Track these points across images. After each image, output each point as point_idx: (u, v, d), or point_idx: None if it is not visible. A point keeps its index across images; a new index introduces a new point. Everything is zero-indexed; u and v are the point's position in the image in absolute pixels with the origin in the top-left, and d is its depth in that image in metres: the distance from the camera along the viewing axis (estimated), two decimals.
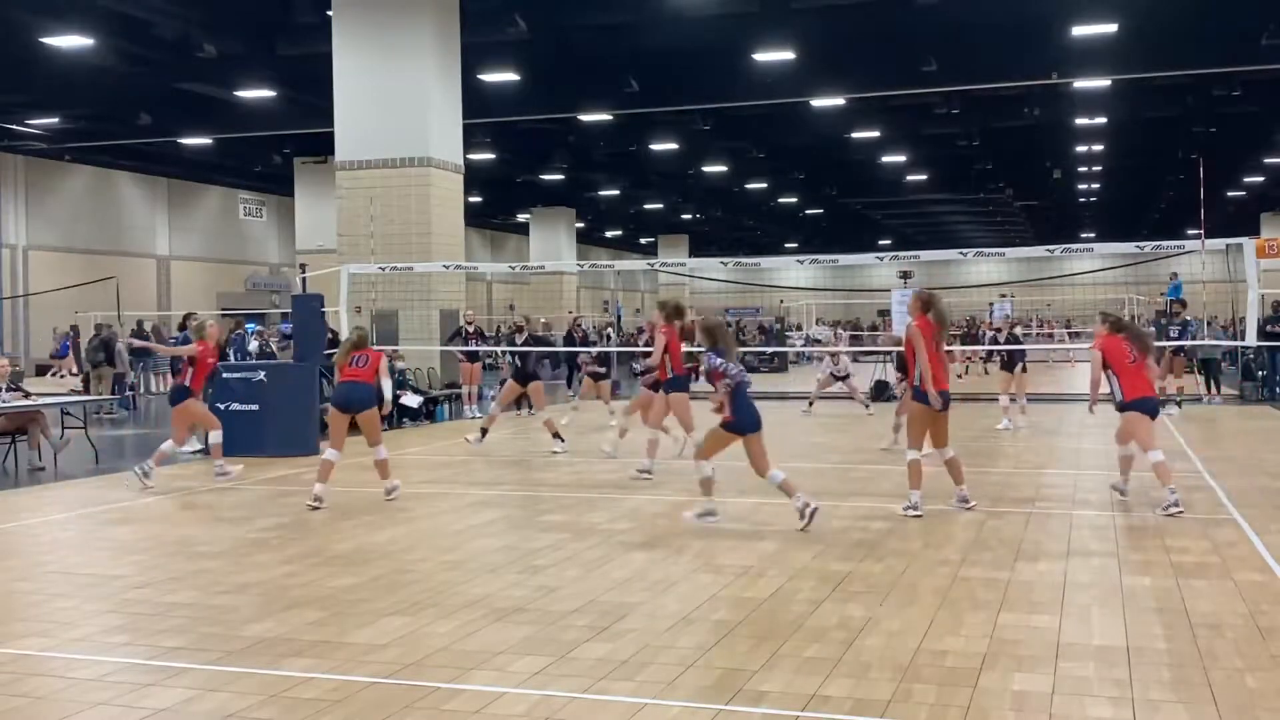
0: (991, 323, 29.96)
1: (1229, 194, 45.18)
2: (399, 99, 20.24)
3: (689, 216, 55.86)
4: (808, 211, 53.22)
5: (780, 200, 48.92)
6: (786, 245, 68.14)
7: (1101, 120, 29.88)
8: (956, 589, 6.97)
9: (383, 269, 17.63)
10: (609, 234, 63.10)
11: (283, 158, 35.80)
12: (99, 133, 30.86)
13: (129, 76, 24.77)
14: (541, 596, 6.89)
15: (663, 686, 5.18)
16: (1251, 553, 7.90)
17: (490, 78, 23.53)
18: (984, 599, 6.72)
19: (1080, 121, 30.08)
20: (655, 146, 32.94)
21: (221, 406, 14.30)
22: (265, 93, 25.36)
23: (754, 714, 4.85)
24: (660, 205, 50.21)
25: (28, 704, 5.13)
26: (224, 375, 14.95)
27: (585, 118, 28.58)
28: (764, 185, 43.75)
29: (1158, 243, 14.08)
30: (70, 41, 21.59)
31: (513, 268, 19.02)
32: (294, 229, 38.22)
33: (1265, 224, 52.05)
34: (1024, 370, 17.05)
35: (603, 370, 17.88)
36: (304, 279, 21.24)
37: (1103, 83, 24.82)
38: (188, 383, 12.07)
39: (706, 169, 38.60)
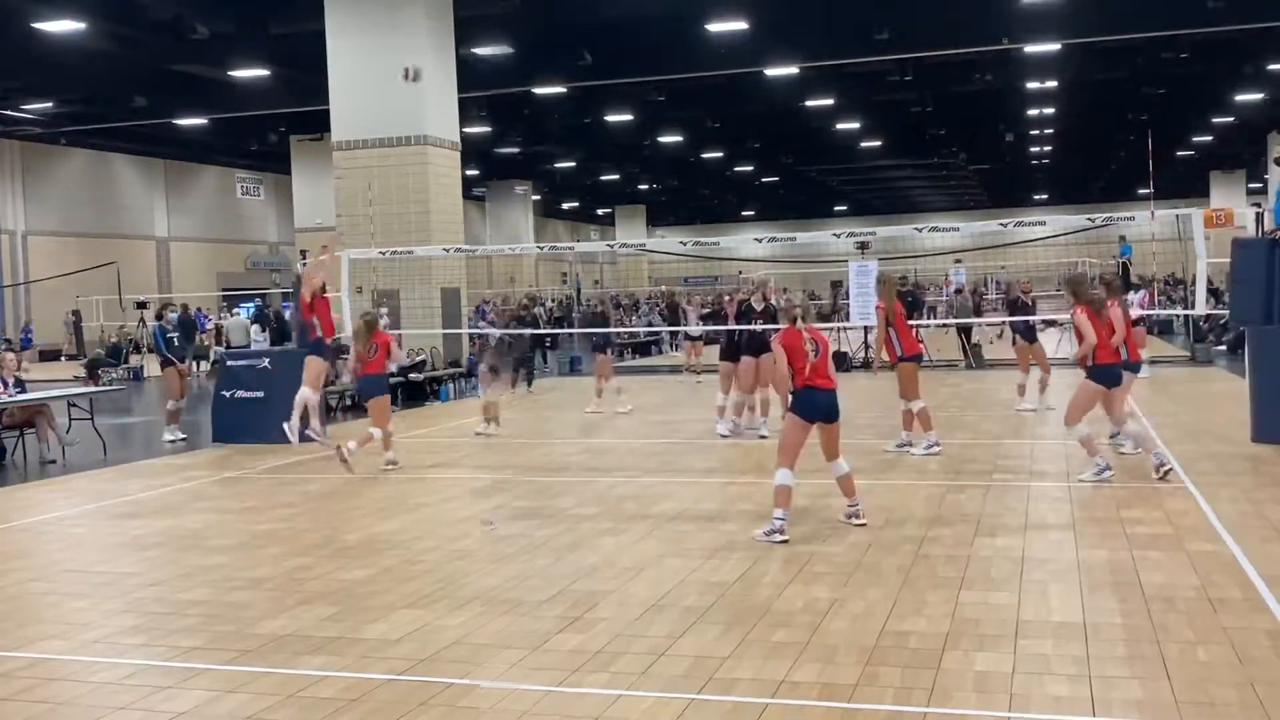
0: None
1: (1179, 153, 45.69)
2: (393, 77, 20.09)
3: (645, 187, 55.69)
4: (764, 179, 53.29)
5: (737, 169, 48.94)
6: (744, 213, 68.07)
7: (1052, 84, 30.11)
8: (918, 567, 7.13)
9: (383, 254, 17.52)
10: (565, 206, 62.81)
11: (278, 136, 35.44)
12: (94, 116, 30.59)
13: (122, 59, 24.71)
14: (515, 586, 6.98)
15: (635, 677, 5.29)
16: (1202, 522, 8.11)
17: (480, 51, 23.46)
18: (945, 577, 6.88)
19: (1031, 85, 30.30)
20: (611, 118, 32.84)
21: (227, 394, 14.43)
22: (259, 72, 25.19)
23: (725, 702, 4.96)
24: (617, 176, 50.06)
25: (50, 710, 5.17)
26: (229, 362, 15.06)
27: (540, 90, 28.45)
28: (720, 154, 43.78)
29: (1108, 214, 14.28)
30: (62, 26, 21.40)
31: (513, 249, 18.83)
32: (292, 206, 37.87)
33: (1214, 182, 52.67)
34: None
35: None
36: (304, 265, 21.10)
37: (1053, 47, 25.00)
38: None
39: (662, 139, 38.56)
